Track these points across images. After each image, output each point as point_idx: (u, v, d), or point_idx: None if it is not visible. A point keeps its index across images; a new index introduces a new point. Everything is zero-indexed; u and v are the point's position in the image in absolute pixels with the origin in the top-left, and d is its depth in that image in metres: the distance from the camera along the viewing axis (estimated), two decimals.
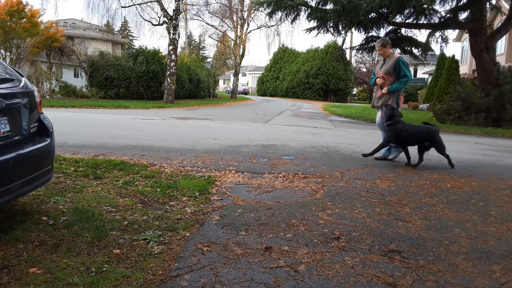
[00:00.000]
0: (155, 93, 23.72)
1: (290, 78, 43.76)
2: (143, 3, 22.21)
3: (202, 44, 61.50)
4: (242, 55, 32.98)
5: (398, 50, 16.62)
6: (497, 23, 18.91)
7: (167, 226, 2.76)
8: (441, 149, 5.39)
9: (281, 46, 41.26)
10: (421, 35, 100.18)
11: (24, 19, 19.49)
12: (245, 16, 31.71)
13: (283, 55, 46.05)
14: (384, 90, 5.61)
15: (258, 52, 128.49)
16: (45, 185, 3.33)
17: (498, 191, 4.25)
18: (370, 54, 23.63)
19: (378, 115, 5.92)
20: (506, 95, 12.80)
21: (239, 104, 25.02)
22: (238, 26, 31.85)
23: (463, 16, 14.04)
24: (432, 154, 6.71)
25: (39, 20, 20.62)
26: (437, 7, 13.62)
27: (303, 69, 42.46)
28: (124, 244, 2.42)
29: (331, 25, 14.45)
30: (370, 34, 15.47)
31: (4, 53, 20.19)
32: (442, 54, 22.25)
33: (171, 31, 20.46)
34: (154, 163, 4.85)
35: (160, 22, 22.18)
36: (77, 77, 27.69)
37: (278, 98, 40.54)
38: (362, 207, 3.42)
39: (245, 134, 8.43)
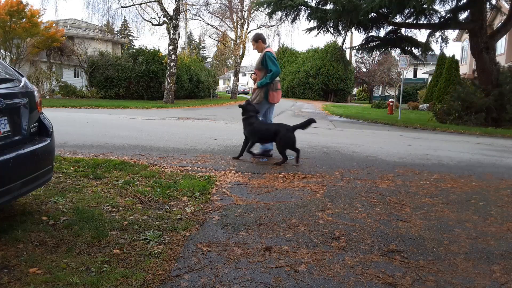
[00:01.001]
0: (155, 93, 23.72)
1: (290, 78, 43.76)
2: (143, 3, 22.22)
3: (202, 44, 61.47)
4: (242, 55, 32.99)
5: (398, 50, 16.65)
6: (497, 23, 18.91)
7: (167, 226, 2.76)
8: (281, 146, 5.14)
9: (281, 46, 41.28)
10: (421, 35, 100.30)
11: (24, 19, 19.48)
12: (245, 16, 31.72)
13: (283, 55, 46.06)
14: (255, 85, 5.61)
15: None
16: (45, 185, 3.33)
17: (498, 191, 4.25)
18: (370, 54, 23.63)
19: None
20: (506, 95, 12.80)
21: None
22: (238, 26, 31.86)
23: (463, 16, 14.06)
24: (431, 154, 6.71)
25: (39, 20, 20.62)
26: (437, 7, 13.63)
27: (303, 69, 42.47)
28: (124, 244, 2.42)
29: (331, 25, 14.45)
30: (370, 34, 15.47)
31: (4, 53, 20.19)
32: (442, 54, 22.28)
33: (171, 31, 20.46)
34: (154, 163, 4.85)
35: (160, 22, 22.18)
36: (77, 77, 27.70)
37: None
38: (362, 207, 3.42)
39: None
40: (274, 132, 5.10)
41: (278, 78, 5.63)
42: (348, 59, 34.81)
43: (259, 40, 5.70)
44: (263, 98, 5.52)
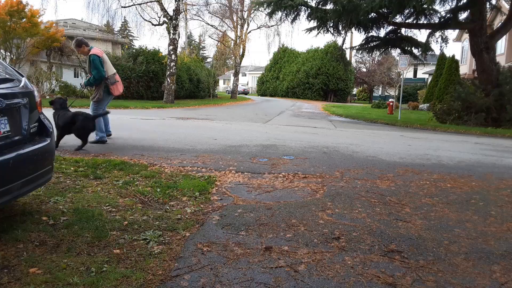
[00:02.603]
0: (155, 93, 23.69)
1: (290, 78, 43.75)
2: (143, 3, 22.19)
3: (202, 44, 61.39)
4: (242, 55, 32.96)
5: (398, 50, 16.65)
6: (497, 23, 18.91)
7: (167, 226, 2.76)
8: (78, 134, 5.47)
9: (281, 46, 41.25)
10: (421, 35, 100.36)
11: (24, 19, 19.46)
12: (245, 16, 31.70)
13: (283, 55, 46.03)
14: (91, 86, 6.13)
15: (258, 52, 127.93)
16: (45, 185, 3.33)
17: (498, 191, 4.25)
18: (370, 54, 23.63)
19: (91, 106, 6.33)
20: (506, 95, 12.80)
21: (239, 104, 25.01)
22: (238, 26, 31.83)
23: (463, 16, 14.06)
24: (431, 154, 6.71)
25: (39, 20, 20.59)
26: (437, 7, 13.63)
27: (303, 69, 42.45)
28: (124, 244, 2.42)
29: (331, 25, 14.45)
30: (370, 34, 15.47)
31: (4, 53, 20.18)
32: (442, 54, 22.26)
33: (171, 31, 20.44)
34: (154, 163, 4.85)
35: (160, 22, 22.16)
36: (77, 77, 27.69)
37: (278, 98, 40.53)
38: (362, 207, 3.42)
39: (245, 134, 8.43)
40: (73, 121, 5.41)
41: (114, 70, 6.20)
42: (348, 59, 34.77)
43: (82, 45, 6.01)
44: (103, 94, 6.09)
